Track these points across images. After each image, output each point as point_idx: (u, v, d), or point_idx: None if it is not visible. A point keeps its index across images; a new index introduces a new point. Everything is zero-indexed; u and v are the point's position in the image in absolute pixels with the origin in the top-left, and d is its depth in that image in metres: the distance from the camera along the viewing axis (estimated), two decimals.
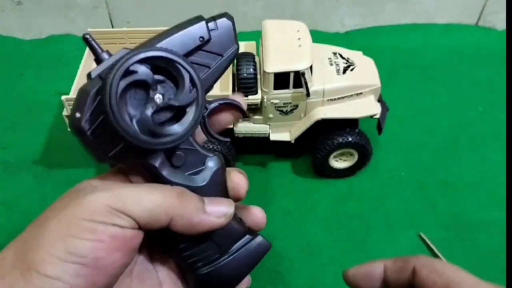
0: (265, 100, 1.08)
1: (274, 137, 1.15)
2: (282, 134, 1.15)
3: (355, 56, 1.18)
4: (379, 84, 1.13)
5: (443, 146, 1.28)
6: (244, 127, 1.14)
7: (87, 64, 1.22)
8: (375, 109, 1.12)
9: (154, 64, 0.40)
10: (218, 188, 0.45)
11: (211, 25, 0.47)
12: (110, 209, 0.37)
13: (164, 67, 0.41)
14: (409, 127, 1.33)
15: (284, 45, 1.07)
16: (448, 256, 1.03)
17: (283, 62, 1.04)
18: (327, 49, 1.18)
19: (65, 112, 1.07)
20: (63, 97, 1.04)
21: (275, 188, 1.19)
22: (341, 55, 1.16)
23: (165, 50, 0.40)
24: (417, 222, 1.11)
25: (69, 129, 0.44)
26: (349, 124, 1.13)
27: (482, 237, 1.08)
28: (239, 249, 0.46)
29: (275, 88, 1.05)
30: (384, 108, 1.16)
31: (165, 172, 0.42)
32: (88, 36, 0.41)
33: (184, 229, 0.40)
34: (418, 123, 1.34)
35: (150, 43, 0.42)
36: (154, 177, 0.42)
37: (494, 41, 1.59)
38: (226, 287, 0.46)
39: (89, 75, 0.41)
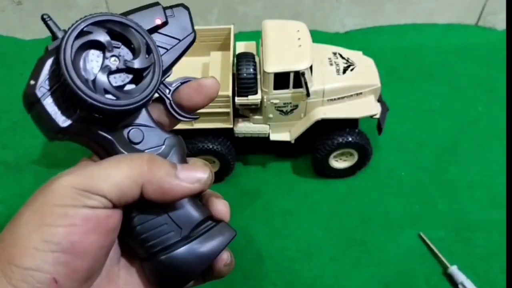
0: (265, 100, 1.08)
1: (274, 137, 1.15)
2: (282, 134, 1.16)
3: (355, 56, 1.18)
4: (379, 84, 1.13)
5: (443, 146, 1.28)
6: (244, 127, 1.14)
7: None
8: (375, 109, 1.12)
9: (110, 29, 0.41)
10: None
11: (168, 11, 0.47)
12: (78, 190, 0.36)
13: (120, 33, 0.41)
14: (409, 127, 1.33)
15: (284, 45, 1.07)
16: (448, 256, 1.03)
17: (283, 62, 1.04)
18: (327, 49, 1.18)
19: None
20: None
21: (275, 188, 1.19)
22: (341, 55, 1.16)
23: (121, 16, 0.42)
24: (417, 222, 1.11)
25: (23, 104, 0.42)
26: (349, 124, 1.13)
27: (482, 237, 1.08)
28: (201, 234, 0.42)
29: (275, 88, 1.05)
30: (384, 108, 1.16)
31: (123, 148, 0.41)
32: (46, 16, 0.41)
33: (156, 196, 0.38)
34: (418, 123, 1.34)
35: None
36: (112, 154, 0.41)
37: (494, 41, 1.59)
38: (187, 275, 0.42)
39: (46, 48, 0.41)
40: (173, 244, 0.41)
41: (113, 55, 0.40)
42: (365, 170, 1.22)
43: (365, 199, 1.17)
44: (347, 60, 1.15)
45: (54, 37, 0.41)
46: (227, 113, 1.07)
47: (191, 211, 0.43)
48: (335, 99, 1.10)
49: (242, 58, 1.10)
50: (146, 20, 0.44)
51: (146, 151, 0.42)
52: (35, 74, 0.39)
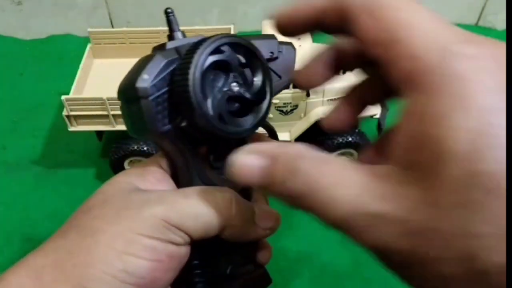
0: None
1: None
2: (282, 134, 1.15)
3: None
4: None
5: None
6: None
7: (87, 64, 1.22)
8: (375, 109, 1.12)
9: (239, 53, 0.41)
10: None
11: (280, 46, 0.47)
12: (168, 225, 0.34)
13: (247, 60, 0.41)
14: None
15: None
16: None
17: None
18: None
19: (65, 112, 1.07)
20: (63, 97, 1.04)
21: None
22: None
23: (252, 44, 0.41)
24: None
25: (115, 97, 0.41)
26: None
27: None
28: (242, 274, 0.43)
29: None
30: (384, 108, 1.16)
31: (204, 171, 0.40)
32: (170, 10, 0.42)
33: (230, 237, 0.38)
34: None
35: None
36: (195, 171, 0.40)
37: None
38: None
39: (157, 46, 0.41)
40: (216, 280, 0.42)
41: (235, 80, 0.40)
42: None
43: None
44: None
45: (171, 34, 0.42)
46: None
47: (245, 252, 0.43)
48: (335, 99, 1.10)
49: None
50: (263, 50, 0.44)
51: (221, 176, 0.41)
52: (150, 69, 0.38)
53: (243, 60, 0.41)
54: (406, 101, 0.28)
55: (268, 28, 1.12)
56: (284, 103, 1.08)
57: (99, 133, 1.19)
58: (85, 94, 1.16)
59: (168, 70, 0.38)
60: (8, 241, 1.09)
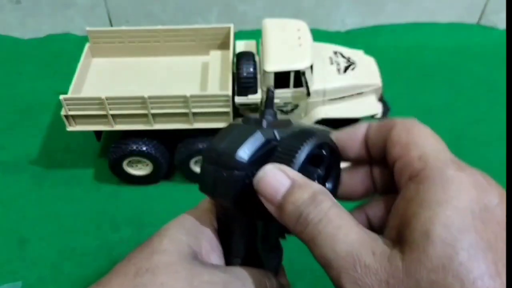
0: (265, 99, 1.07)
1: None
2: None
3: (356, 55, 1.17)
4: (380, 84, 1.12)
5: None
6: None
7: (85, 63, 1.21)
8: (376, 109, 1.11)
9: (327, 150, 0.45)
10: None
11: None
12: None
13: (328, 160, 0.46)
14: None
15: (284, 44, 1.06)
16: None
17: (284, 61, 1.03)
18: (328, 48, 1.17)
19: (63, 112, 1.06)
20: (62, 97, 1.03)
21: None
22: (342, 54, 1.15)
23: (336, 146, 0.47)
24: None
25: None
26: (350, 124, 1.12)
27: None
28: None
29: (276, 87, 1.05)
30: (385, 108, 1.15)
31: (257, 241, 0.46)
32: (272, 90, 0.47)
33: None
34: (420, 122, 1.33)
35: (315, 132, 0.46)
36: (246, 239, 0.46)
37: (496, 40, 1.58)
38: None
39: (252, 120, 0.45)
40: None
41: (319, 174, 0.44)
42: None
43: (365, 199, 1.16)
44: (348, 59, 1.14)
45: (264, 111, 0.46)
46: (227, 113, 1.06)
47: None
48: (336, 98, 1.09)
49: (242, 57, 1.09)
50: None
51: (268, 254, 0.50)
52: (250, 145, 0.42)
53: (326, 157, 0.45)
54: (405, 189, 0.36)
55: (269, 27, 1.12)
56: (285, 103, 1.08)
57: (98, 133, 1.19)
58: (83, 94, 1.15)
59: (264, 150, 0.42)
60: (6, 241, 1.08)
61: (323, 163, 0.45)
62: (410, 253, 0.31)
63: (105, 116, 1.06)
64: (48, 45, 1.60)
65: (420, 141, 0.38)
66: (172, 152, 1.16)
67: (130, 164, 1.15)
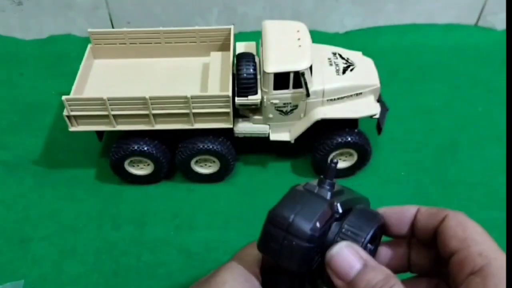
0: (265, 100, 1.08)
1: (274, 137, 1.15)
2: (282, 134, 1.16)
3: (355, 56, 1.18)
4: (378, 84, 1.13)
5: (443, 146, 1.28)
6: (244, 127, 1.14)
7: (87, 64, 1.22)
8: (375, 109, 1.12)
9: (381, 230, 0.53)
10: None
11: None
12: None
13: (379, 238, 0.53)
14: (409, 127, 1.33)
15: (284, 45, 1.07)
16: None
17: (283, 62, 1.04)
18: (327, 49, 1.18)
19: (65, 112, 1.07)
20: (64, 97, 1.04)
21: (275, 188, 1.19)
22: (340, 55, 1.16)
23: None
24: None
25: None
26: (349, 124, 1.13)
27: None
28: None
29: (275, 88, 1.05)
30: (384, 108, 1.16)
31: None
32: (336, 161, 0.52)
33: None
34: (418, 123, 1.34)
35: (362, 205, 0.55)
36: None
37: (494, 41, 1.59)
38: None
39: (314, 188, 0.51)
40: None
41: (370, 249, 0.50)
42: (365, 170, 1.22)
43: None
44: (347, 60, 1.15)
45: (324, 180, 0.51)
46: (227, 113, 1.07)
47: None
48: (334, 99, 1.10)
49: (242, 58, 1.10)
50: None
51: None
52: (321, 220, 0.46)
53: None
54: (470, 282, 0.41)
55: (268, 28, 1.13)
56: (284, 103, 1.08)
57: (100, 133, 1.19)
58: (85, 94, 1.16)
59: (328, 223, 0.48)
60: (8, 241, 1.09)
61: (375, 240, 0.51)
62: None
63: (106, 116, 1.07)
64: (50, 46, 1.61)
65: (477, 238, 0.44)
66: (173, 152, 1.16)
67: (131, 164, 1.16)
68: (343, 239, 0.47)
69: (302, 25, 1.14)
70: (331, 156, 1.15)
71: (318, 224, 0.46)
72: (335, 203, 0.49)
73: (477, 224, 0.46)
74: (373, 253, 0.52)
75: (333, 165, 0.51)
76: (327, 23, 1.63)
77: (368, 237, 0.47)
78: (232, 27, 1.23)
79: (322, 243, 0.47)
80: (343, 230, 0.47)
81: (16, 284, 1.01)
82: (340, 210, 0.49)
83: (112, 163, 1.15)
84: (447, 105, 1.39)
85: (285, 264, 0.47)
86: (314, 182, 0.53)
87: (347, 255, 0.44)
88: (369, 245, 0.49)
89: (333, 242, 0.47)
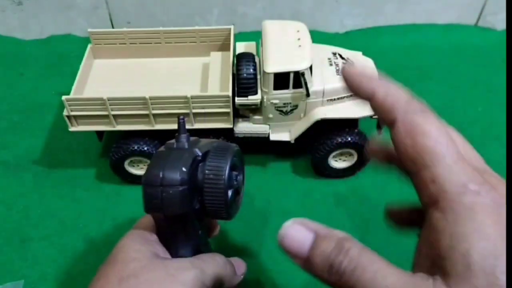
0: (265, 100, 1.08)
1: (274, 137, 1.15)
2: (282, 134, 1.16)
3: (355, 56, 1.18)
4: None
5: None
6: (244, 127, 1.14)
7: (87, 64, 1.22)
8: None
9: (238, 157, 0.64)
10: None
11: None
12: (200, 283, 0.52)
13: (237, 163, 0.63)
14: None
15: (284, 45, 1.08)
16: None
17: (283, 62, 1.04)
18: (327, 49, 1.18)
19: (65, 112, 1.07)
20: (64, 97, 1.04)
21: (275, 188, 1.20)
22: (340, 55, 1.17)
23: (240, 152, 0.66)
24: None
25: (144, 182, 0.60)
26: (349, 124, 1.13)
27: None
28: None
29: (275, 88, 1.06)
30: None
31: (199, 239, 0.62)
32: (182, 117, 0.59)
33: (225, 286, 0.58)
34: None
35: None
36: (191, 238, 0.60)
37: (494, 41, 1.59)
38: None
39: (175, 146, 0.58)
40: None
41: (237, 175, 0.62)
42: (364, 170, 1.22)
43: (365, 199, 1.17)
44: (347, 60, 1.15)
45: (179, 136, 0.59)
46: (227, 113, 1.08)
47: None
48: (334, 99, 1.10)
49: (242, 58, 1.10)
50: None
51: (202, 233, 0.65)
52: (185, 164, 0.54)
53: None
54: (430, 217, 0.37)
55: (268, 28, 1.13)
56: (284, 103, 1.09)
57: (100, 133, 1.20)
58: (85, 94, 1.16)
59: (193, 165, 0.56)
60: (8, 241, 1.09)
61: (237, 168, 0.62)
62: (456, 287, 0.33)
63: (107, 116, 1.07)
64: (50, 46, 1.61)
65: (430, 155, 0.36)
66: None
67: (131, 164, 1.16)
68: (209, 174, 0.56)
69: (302, 25, 1.14)
70: (331, 156, 1.16)
71: (184, 168, 0.53)
72: (194, 149, 0.57)
73: (434, 125, 0.37)
74: (240, 178, 0.63)
75: (181, 121, 0.58)
76: (327, 23, 1.63)
77: (227, 167, 0.57)
78: (232, 27, 1.23)
79: (194, 183, 0.56)
80: (207, 167, 0.56)
81: (16, 284, 1.01)
82: (200, 153, 0.57)
83: (112, 163, 1.15)
84: (447, 105, 1.40)
85: (170, 211, 0.55)
86: (172, 140, 0.60)
87: (294, 234, 0.43)
88: (233, 172, 0.59)
89: (203, 178, 0.56)
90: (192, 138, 0.60)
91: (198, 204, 0.58)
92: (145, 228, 0.61)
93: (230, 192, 0.58)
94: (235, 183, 0.60)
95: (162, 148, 0.59)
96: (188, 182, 0.54)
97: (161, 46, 1.26)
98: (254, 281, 1.01)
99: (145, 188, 0.56)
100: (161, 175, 0.54)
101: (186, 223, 0.58)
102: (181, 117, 0.59)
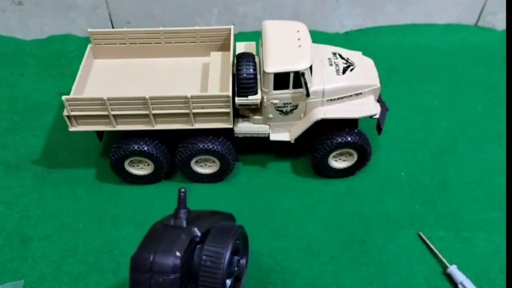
0: (265, 100, 1.08)
1: (274, 137, 1.15)
2: (282, 134, 1.16)
3: (355, 56, 1.18)
4: (378, 84, 1.13)
5: (443, 146, 1.28)
6: (244, 127, 1.14)
7: (87, 64, 1.22)
8: (375, 109, 1.12)
9: (240, 240, 0.58)
10: None
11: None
12: None
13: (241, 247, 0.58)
14: (409, 127, 1.33)
15: (284, 46, 1.08)
16: (447, 256, 1.04)
17: (283, 62, 1.04)
18: (327, 50, 1.18)
19: (65, 112, 1.07)
20: (64, 97, 1.04)
21: (275, 188, 1.20)
22: (340, 56, 1.17)
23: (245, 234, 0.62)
24: (416, 221, 1.11)
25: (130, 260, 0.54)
26: (349, 124, 1.13)
27: (481, 237, 1.08)
28: None
29: (275, 88, 1.06)
30: (384, 108, 1.16)
31: None
32: (183, 190, 0.54)
33: None
34: (418, 123, 1.34)
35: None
36: None
37: (494, 41, 1.59)
38: None
39: (172, 223, 0.52)
40: None
41: (238, 260, 0.56)
42: (364, 170, 1.22)
43: (364, 199, 1.17)
44: (347, 60, 1.15)
45: (178, 211, 0.53)
46: (227, 113, 1.08)
47: None
48: (334, 99, 1.10)
49: (242, 58, 1.10)
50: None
51: None
52: (180, 247, 0.49)
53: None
54: None
55: (268, 29, 1.13)
56: (284, 103, 1.09)
57: (100, 133, 1.20)
58: (85, 95, 1.16)
59: (190, 247, 0.50)
60: (8, 241, 1.09)
61: (239, 252, 0.56)
62: None
63: (107, 116, 1.07)
64: (50, 46, 1.61)
65: None
66: (173, 152, 1.17)
67: (131, 164, 1.16)
68: (206, 260, 0.50)
69: (302, 25, 1.14)
70: (331, 156, 1.16)
71: (178, 253, 0.48)
72: (193, 228, 0.51)
73: None
74: (243, 262, 0.57)
75: (182, 194, 0.54)
76: (327, 23, 1.63)
77: (228, 253, 0.51)
78: (232, 27, 1.23)
79: (189, 268, 0.50)
80: (204, 251, 0.50)
81: (16, 284, 1.01)
82: (198, 234, 0.51)
83: (112, 163, 1.15)
84: (447, 105, 1.40)
85: None
86: (170, 216, 0.54)
87: None
88: (235, 257, 0.53)
89: (199, 264, 0.50)
90: (192, 213, 0.55)
91: None
92: None
93: (229, 282, 0.52)
94: (236, 269, 0.55)
95: (159, 224, 0.54)
96: (181, 269, 0.48)
97: (161, 46, 1.26)
98: (254, 279, 1.01)
99: (133, 273, 0.50)
100: (151, 259, 0.48)
101: None
102: (182, 190, 0.54)
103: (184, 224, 0.51)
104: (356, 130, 1.14)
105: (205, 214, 0.57)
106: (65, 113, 1.07)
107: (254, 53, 1.16)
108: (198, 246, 0.51)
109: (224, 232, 0.52)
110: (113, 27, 1.61)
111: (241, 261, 0.56)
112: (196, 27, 1.24)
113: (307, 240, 1.09)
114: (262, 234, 1.09)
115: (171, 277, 0.46)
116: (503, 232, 1.09)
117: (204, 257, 0.50)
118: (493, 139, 1.29)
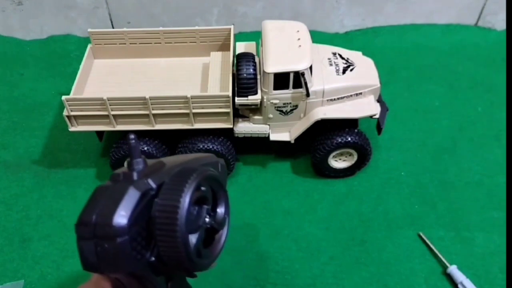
0: (265, 100, 1.08)
1: (274, 137, 1.15)
2: (282, 134, 1.16)
3: (355, 56, 1.18)
4: (378, 84, 1.13)
5: (443, 146, 1.28)
6: (244, 127, 1.14)
7: (87, 64, 1.22)
8: (375, 109, 1.12)
9: (210, 185, 0.43)
10: None
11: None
12: None
13: (213, 191, 0.45)
14: (408, 127, 1.33)
15: (284, 46, 1.08)
16: (447, 256, 1.04)
17: (283, 62, 1.04)
18: (327, 50, 1.18)
19: (65, 112, 1.07)
20: (64, 97, 1.04)
21: (275, 188, 1.20)
22: (340, 56, 1.17)
23: (218, 176, 0.45)
24: (416, 221, 1.12)
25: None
26: (349, 124, 1.13)
27: (482, 237, 1.08)
28: None
29: (275, 88, 1.06)
30: (384, 108, 1.17)
31: None
32: (133, 137, 0.43)
33: None
34: (418, 123, 1.34)
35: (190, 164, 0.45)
36: None
37: (493, 41, 1.59)
38: None
39: (121, 176, 0.41)
40: None
41: (208, 212, 0.43)
42: (364, 170, 1.22)
43: (364, 199, 1.17)
44: (347, 60, 1.15)
45: (131, 162, 0.42)
46: (227, 113, 1.08)
47: None
48: (334, 99, 1.10)
49: (242, 58, 1.10)
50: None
51: None
52: (126, 204, 0.39)
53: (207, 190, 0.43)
54: None
55: (268, 29, 1.13)
56: (284, 103, 1.09)
57: (100, 133, 1.20)
58: (85, 95, 1.16)
59: (143, 204, 0.39)
60: (8, 241, 1.09)
61: (208, 200, 0.44)
62: None
63: (107, 116, 1.07)
64: (50, 46, 1.61)
65: None
66: (173, 152, 1.17)
67: None
68: (158, 215, 0.40)
69: (302, 25, 1.14)
70: (331, 156, 1.16)
71: (123, 212, 0.38)
72: (145, 180, 0.41)
73: None
74: (221, 212, 0.45)
75: (132, 141, 0.43)
76: (327, 23, 1.63)
77: (186, 202, 0.39)
78: (232, 27, 1.23)
79: (145, 228, 0.40)
80: (156, 209, 0.40)
81: (16, 284, 1.01)
82: (153, 185, 0.41)
83: (112, 163, 1.15)
84: (446, 105, 1.40)
85: (111, 273, 0.41)
86: (120, 169, 0.44)
87: None
88: (204, 207, 0.43)
89: (155, 219, 0.40)
90: (153, 162, 0.44)
91: (153, 256, 0.41)
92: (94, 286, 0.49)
93: (193, 238, 0.41)
94: (206, 220, 0.43)
95: (106, 182, 0.43)
96: (129, 231, 0.38)
97: (161, 46, 1.26)
98: (254, 279, 1.01)
99: (78, 241, 0.40)
100: (93, 223, 0.39)
101: (142, 281, 0.43)
102: (131, 135, 0.43)
103: (135, 176, 0.41)
104: (356, 130, 1.14)
105: (179, 158, 0.45)
106: (65, 113, 1.07)
107: (254, 53, 1.16)
108: (156, 200, 0.41)
109: (179, 179, 0.41)
110: (113, 27, 1.61)
111: (217, 209, 0.45)
112: (196, 27, 1.24)
113: (307, 240, 1.09)
114: (262, 234, 1.09)
115: (118, 240, 0.37)
116: (503, 232, 1.09)
117: (156, 213, 0.40)
118: (493, 139, 1.30)
